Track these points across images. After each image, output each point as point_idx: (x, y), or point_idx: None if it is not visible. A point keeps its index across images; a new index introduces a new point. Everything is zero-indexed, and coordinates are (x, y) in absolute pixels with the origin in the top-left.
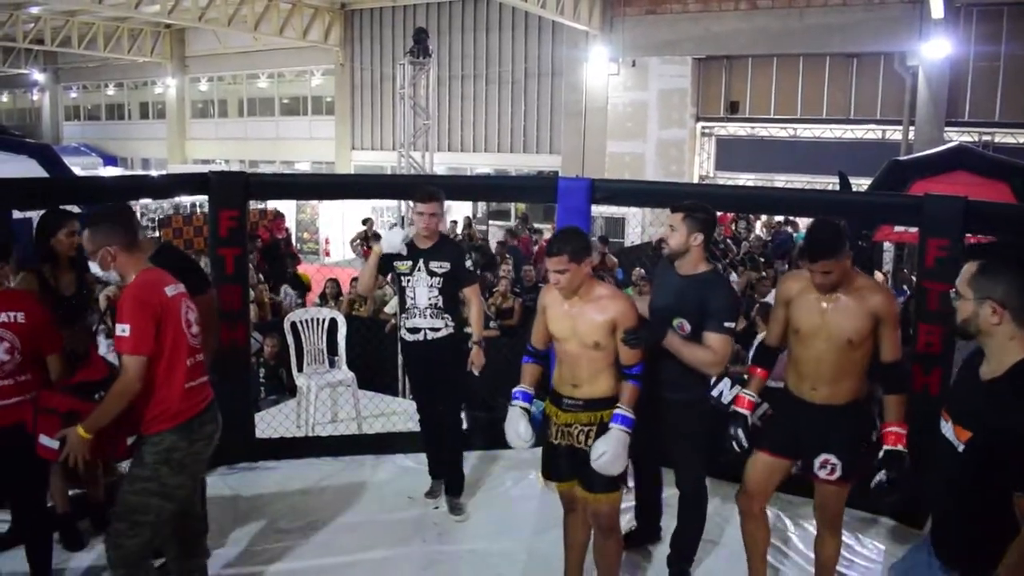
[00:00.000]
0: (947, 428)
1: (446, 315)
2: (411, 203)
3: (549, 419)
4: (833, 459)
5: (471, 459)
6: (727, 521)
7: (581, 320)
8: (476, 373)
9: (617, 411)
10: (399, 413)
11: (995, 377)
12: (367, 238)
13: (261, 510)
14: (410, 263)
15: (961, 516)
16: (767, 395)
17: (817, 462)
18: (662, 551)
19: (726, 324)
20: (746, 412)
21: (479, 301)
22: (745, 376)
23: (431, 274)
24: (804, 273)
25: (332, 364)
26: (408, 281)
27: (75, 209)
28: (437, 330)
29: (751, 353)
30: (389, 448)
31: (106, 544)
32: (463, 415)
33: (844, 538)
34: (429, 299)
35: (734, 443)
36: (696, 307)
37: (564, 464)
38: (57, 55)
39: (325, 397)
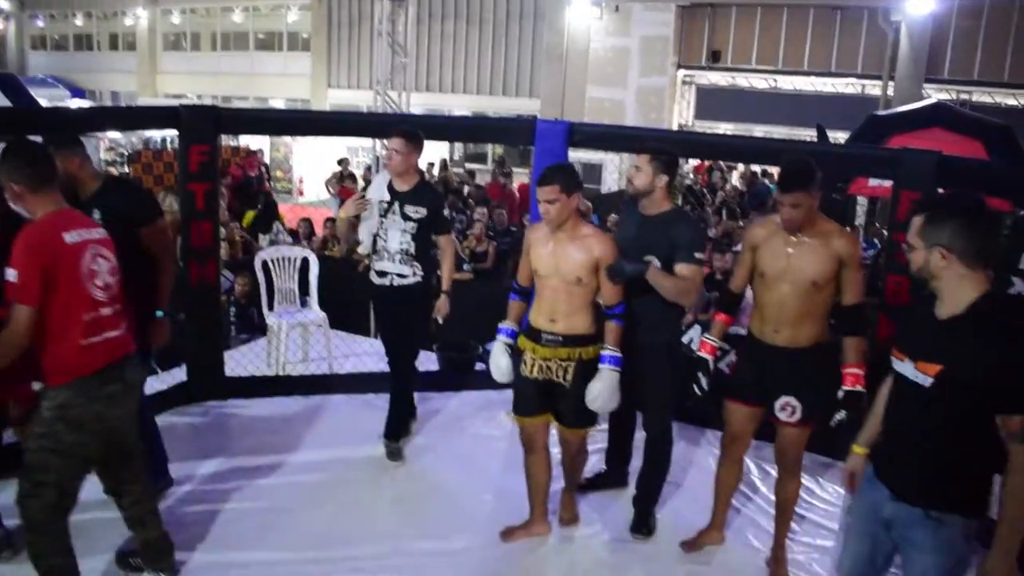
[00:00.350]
0: (905, 367)
1: (416, 263)
2: (385, 142)
3: (521, 355)
4: (793, 401)
5: (442, 399)
6: (691, 464)
7: (564, 257)
8: (440, 321)
9: (605, 352)
10: (370, 353)
11: (954, 315)
12: (343, 178)
13: (229, 448)
14: (386, 205)
15: (927, 450)
16: (735, 343)
17: (778, 404)
18: (628, 492)
19: (696, 255)
20: (708, 357)
21: (452, 251)
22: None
23: (405, 218)
24: (772, 218)
25: (304, 304)
26: (382, 223)
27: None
28: (404, 276)
29: None
30: (359, 388)
31: (16, 505)
32: (436, 357)
33: (805, 482)
34: (400, 244)
35: (695, 387)
36: (663, 245)
37: (536, 399)
38: None
39: (296, 336)
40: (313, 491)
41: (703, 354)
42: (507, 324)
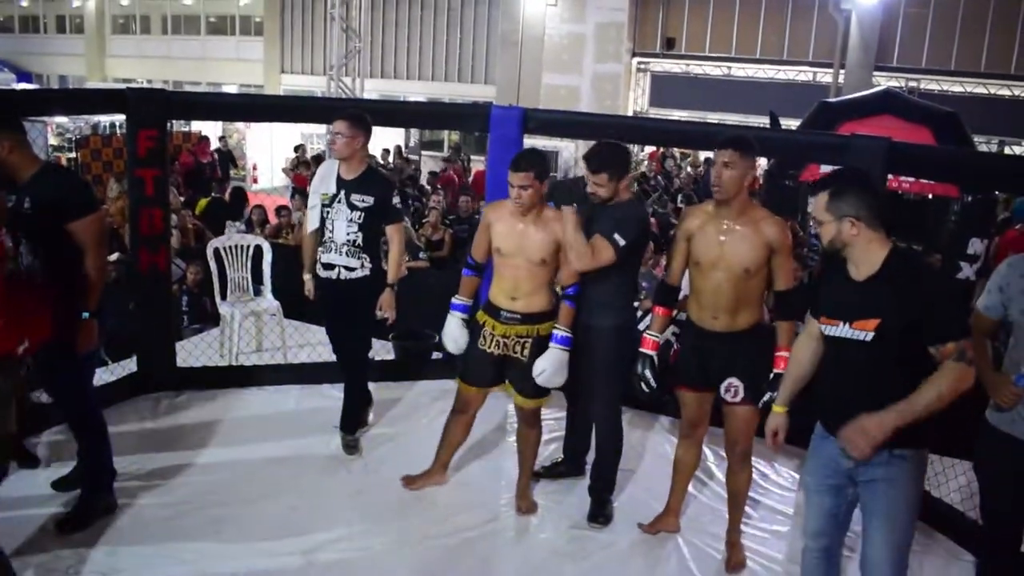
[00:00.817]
0: (841, 329)
1: (364, 255)
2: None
3: (478, 327)
4: (736, 381)
5: (399, 389)
6: (646, 451)
7: (529, 238)
8: (388, 318)
9: (556, 331)
10: (325, 343)
11: (872, 275)
12: (298, 165)
13: (182, 440)
14: (332, 194)
15: (878, 395)
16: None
17: (723, 387)
18: (585, 481)
19: (615, 235)
20: (651, 352)
21: (401, 242)
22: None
23: (352, 207)
24: (704, 207)
25: (257, 292)
26: (328, 213)
27: None
28: (352, 270)
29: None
30: (314, 378)
31: None
32: (392, 347)
33: (760, 467)
34: (347, 235)
35: (642, 384)
36: (606, 226)
37: (492, 371)
38: None
39: (249, 326)
40: (268, 483)
41: (645, 350)
42: (461, 300)
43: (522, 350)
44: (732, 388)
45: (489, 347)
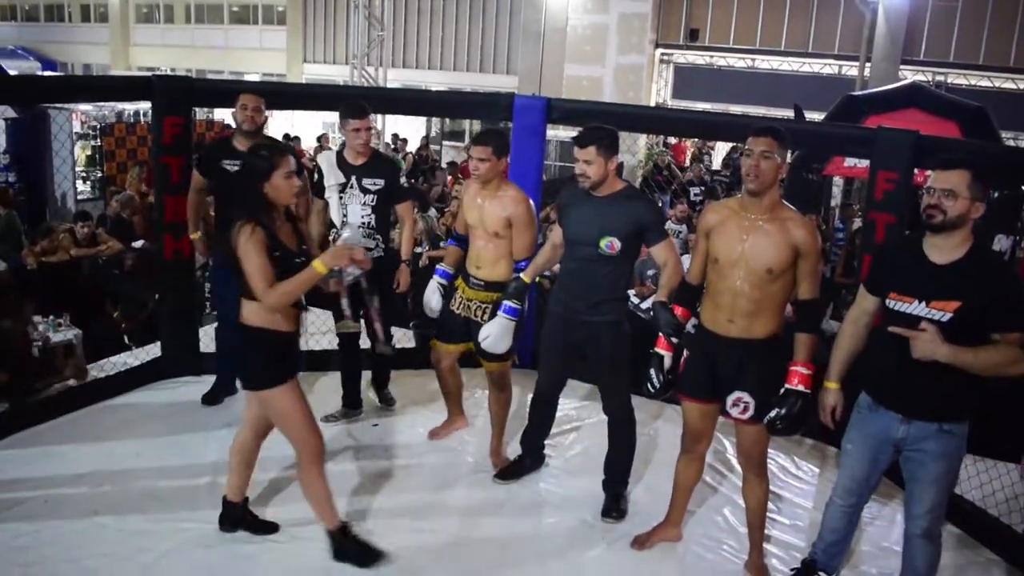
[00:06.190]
0: (916, 307)
1: (377, 235)
2: (340, 119)
3: (455, 291)
4: (746, 397)
5: (419, 376)
6: (661, 437)
7: (487, 212)
8: (402, 291)
9: (505, 302)
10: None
11: (956, 260)
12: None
13: (203, 423)
14: (343, 181)
15: (939, 374)
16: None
17: (729, 400)
18: (598, 477)
19: (664, 231)
20: (665, 353)
21: (412, 219)
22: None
23: (364, 191)
24: (727, 203)
25: None
26: (342, 199)
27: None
28: (370, 250)
29: None
30: (333, 365)
31: None
32: (411, 335)
33: (780, 460)
34: (362, 217)
35: (648, 384)
36: (625, 222)
37: (458, 331)
38: None
39: None
40: (288, 467)
41: (659, 350)
42: (443, 266)
43: (482, 315)
44: (741, 403)
45: (458, 308)
